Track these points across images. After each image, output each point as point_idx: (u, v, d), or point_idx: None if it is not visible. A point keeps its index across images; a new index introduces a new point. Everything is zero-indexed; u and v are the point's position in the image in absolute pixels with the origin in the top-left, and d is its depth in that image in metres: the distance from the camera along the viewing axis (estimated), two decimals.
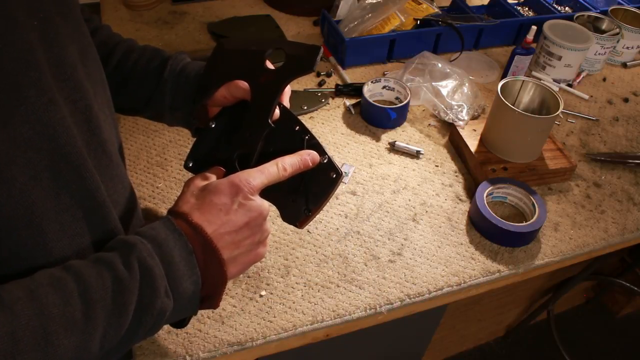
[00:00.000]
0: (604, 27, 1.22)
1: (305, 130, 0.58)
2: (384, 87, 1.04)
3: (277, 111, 0.60)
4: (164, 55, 0.68)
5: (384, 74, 1.12)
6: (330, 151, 0.94)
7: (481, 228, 0.82)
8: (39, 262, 0.45)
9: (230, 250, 0.50)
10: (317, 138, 0.58)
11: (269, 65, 0.60)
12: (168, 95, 0.66)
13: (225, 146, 0.61)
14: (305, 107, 1.02)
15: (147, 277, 0.45)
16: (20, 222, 0.42)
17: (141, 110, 0.70)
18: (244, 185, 0.51)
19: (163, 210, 0.81)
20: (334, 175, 0.56)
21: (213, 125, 0.63)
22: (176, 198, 0.82)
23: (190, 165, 0.62)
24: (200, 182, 0.53)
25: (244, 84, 0.62)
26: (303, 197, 0.55)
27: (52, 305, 0.39)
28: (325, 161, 0.57)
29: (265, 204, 0.53)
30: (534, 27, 1.08)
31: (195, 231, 0.49)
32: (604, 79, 1.21)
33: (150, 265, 0.45)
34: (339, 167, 0.56)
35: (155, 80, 0.66)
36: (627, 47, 1.23)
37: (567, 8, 1.36)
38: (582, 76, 1.19)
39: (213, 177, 0.55)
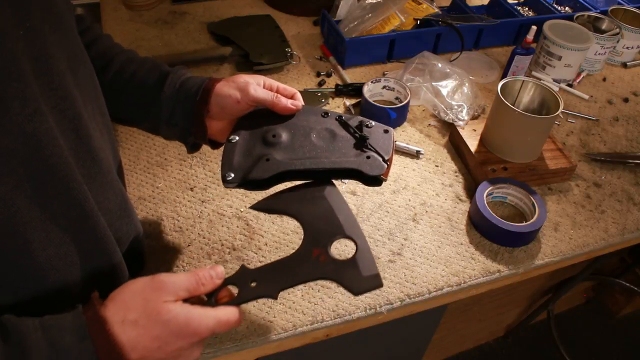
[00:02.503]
0: (604, 27, 1.22)
1: (334, 112, 0.66)
2: (384, 87, 1.04)
3: (300, 103, 0.66)
4: (164, 69, 0.67)
5: (384, 74, 1.12)
6: None
7: (481, 228, 0.82)
8: (25, 271, 0.45)
9: (144, 359, 0.46)
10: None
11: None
12: (166, 109, 0.65)
13: (257, 150, 0.62)
14: None
15: None
16: (3, 230, 0.41)
17: (137, 122, 0.69)
18: (197, 335, 0.48)
19: (163, 210, 0.81)
20: (387, 131, 0.64)
21: (235, 140, 0.63)
22: (175, 198, 0.83)
23: (232, 177, 0.60)
24: (161, 297, 0.47)
25: (260, 88, 0.63)
26: (375, 153, 0.61)
27: None
28: (371, 126, 0.64)
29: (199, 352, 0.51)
30: (534, 27, 1.08)
31: (110, 347, 0.44)
32: (604, 79, 1.21)
33: None
34: (386, 126, 0.65)
35: (154, 93, 0.65)
36: (627, 47, 1.23)
37: (567, 8, 1.36)
38: (582, 76, 1.19)
39: (177, 305, 0.48)
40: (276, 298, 0.52)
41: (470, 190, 0.89)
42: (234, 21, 1.23)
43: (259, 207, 0.60)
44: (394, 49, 1.16)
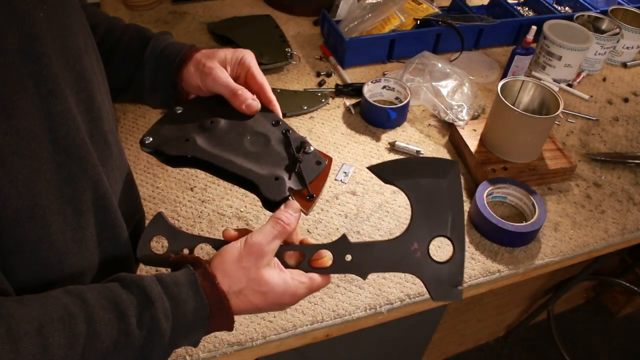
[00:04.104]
0: (604, 27, 1.22)
1: (285, 124, 0.62)
2: (384, 87, 1.04)
3: (258, 105, 0.61)
4: (147, 35, 0.65)
5: (384, 74, 1.12)
6: (330, 151, 0.94)
7: (481, 228, 0.82)
8: (43, 255, 0.45)
9: (240, 314, 0.51)
10: (316, 138, 0.60)
11: None
12: (148, 76, 0.64)
13: (189, 131, 0.60)
14: (305, 107, 1.02)
15: (155, 337, 0.44)
16: (24, 213, 0.42)
17: (123, 91, 0.67)
18: (289, 304, 0.52)
19: (163, 210, 0.81)
20: (319, 163, 0.59)
21: (179, 112, 0.61)
22: (175, 198, 0.83)
23: (150, 141, 0.59)
24: (259, 263, 0.50)
25: (220, 79, 0.60)
26: (287, 179, 0.57)
27: (56, 346, 0.39)
28: (309, 151, 0.60)
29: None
30: (534, 27, 1.08)
31: (219, 301, 0.48)
32: (604, 79, 1.21)
33: (162, 327, 0.45)
34: (321, 157, 0.60)
35: (136, 60, 0.63)
36: (627, 47, 1.23)
37: (567, 8, 1.36)
38: (582, 76, 1.19)
39: (276, 275, 0.51)
40: (365, 279, 0.54)
41: (470, 190, 0.89)
42: (234, 21, 1.23)
43: (376, 169, 0.58)
44: (394, 49, 1.16)
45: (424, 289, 0.73)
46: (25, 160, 0.41)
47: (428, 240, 0.54)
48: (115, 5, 1.28)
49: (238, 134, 0.61)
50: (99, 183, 0.49)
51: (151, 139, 0.59)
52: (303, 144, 0.60)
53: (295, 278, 0.52)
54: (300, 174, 0.58)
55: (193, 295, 0.47)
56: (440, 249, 0.65)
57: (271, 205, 0.56)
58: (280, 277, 0.51)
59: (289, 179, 0.57)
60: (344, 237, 0.54)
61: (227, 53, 0.62)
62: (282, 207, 0.54)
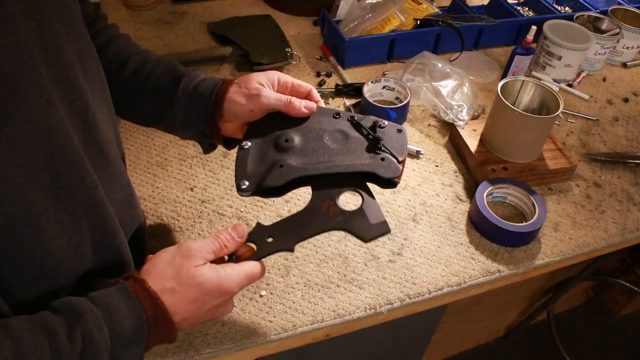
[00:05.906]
0: (604, 27, 1.22)
1: (345, 112, 0.66)
2: (384, 87, 1.04)
3: (314, 103, 0.65)
4: (179, 71, 0.66)
5: (384, 74, 1.12)
6: None
7: (481, 228, 0.82)
8: (38, 261, 0.45)
9: (186, 320, 0.51)
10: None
11: None
12: (180, 112, 0.65)
13: (271, 157, 0.61)
14: None
15: (90, 350, 0.44)
16: (19, 221, 0.42)
17: (153, 123, 0.69)
18: (229, 292, 0.52)
19: (163, 210, 0.81)
20: (400, 130, 0.64)
21: (248, 147, 0.62)
22: (175, 198, 0.83)
23: (246, 185, 0.59)
24: (191, 262, 0.51)
25: (272, 94, 0.62)
26: (389, 155, 0.61)
27: None
28: (384, 126, 0.63)
29: (232, 306, 0.56)
30: (534, 27, 1.08)
31: (153, 303, 0.48)
32: (604, 79, 1.21)
33: (96, 338, 0.44)
34: (399, 125, 0.65)
35: (168, 97, 0.64)
36: (627, 47, 1.23)
37: (567, 8, 1.36)
38: (582, 76, 1.19)
39: (207, 268, 0.52)
40: (293, 251, 0.56)
41: (470, 190, 0.89)
42: (234, 21, 1.23)
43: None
44: (394, 49, 1.16)
45: (424, 289, 0.74)
46: (19, 169, 0.41)
47: (335, 196, 0.57)
48: (115, 5, 1.28)
49: (314, 138, 0.63)
50: (95, 190, 0.49)
51: (247, 183, 0.59)
52: (375, 122, 0.64)
53: (226, 267, 0.53)
54: (387, 149, 0.61)
55: (124, 300, 0.47)
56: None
57: (390, 183, 0.60)
58: (211, 268, 0.52)
59: (390, 155, 0.61)
60: (258, 224, 0.57)
61: (260, 77, 0.65)
62: (229, 228, 0.55)
